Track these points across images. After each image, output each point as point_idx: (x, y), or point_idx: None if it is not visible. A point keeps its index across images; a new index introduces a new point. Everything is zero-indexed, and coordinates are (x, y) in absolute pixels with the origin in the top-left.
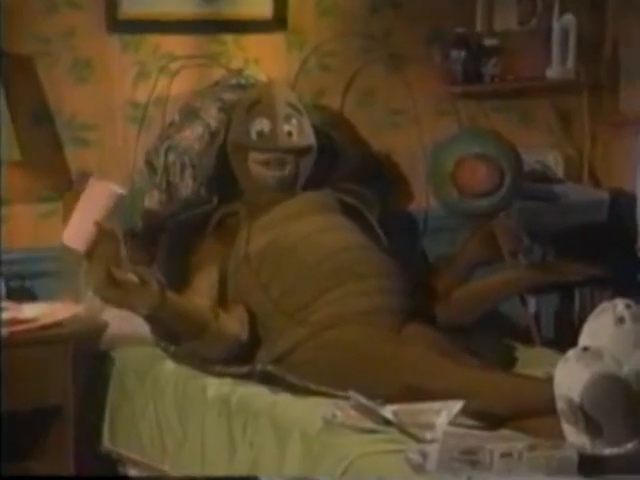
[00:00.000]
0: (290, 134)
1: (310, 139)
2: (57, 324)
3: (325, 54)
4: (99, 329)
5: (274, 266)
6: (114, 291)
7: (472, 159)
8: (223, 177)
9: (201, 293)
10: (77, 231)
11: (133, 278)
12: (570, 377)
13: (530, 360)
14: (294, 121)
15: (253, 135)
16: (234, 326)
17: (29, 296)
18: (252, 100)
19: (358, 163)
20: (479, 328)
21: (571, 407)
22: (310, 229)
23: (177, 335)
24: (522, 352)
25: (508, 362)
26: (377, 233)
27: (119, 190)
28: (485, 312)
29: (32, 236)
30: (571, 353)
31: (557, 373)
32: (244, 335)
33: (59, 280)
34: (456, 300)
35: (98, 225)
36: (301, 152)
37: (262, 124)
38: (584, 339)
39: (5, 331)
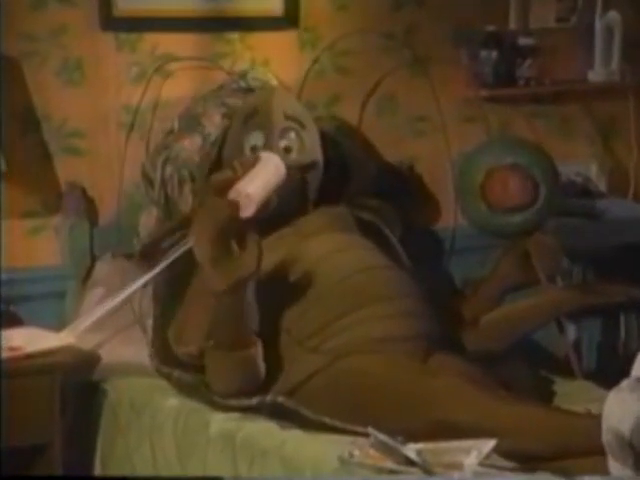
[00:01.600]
0: (288, 150)
1: (313, 155)
2: (45, 353)
3: (340, 54)
4: (91, 359)
5: (284, 289)
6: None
7: (503, 170)
8: None
9: (200, 318)
10: (257, 183)
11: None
12: (622, 409)
13: (569, 394)
14: (292, 135)
15: (247, 150)
16: (260, 360)
17: (14, 321)
18: (249, 110)
19: (377, 176)
20: (513, 358)
21: (620, 442)
22: (324, 248)
23: (218, 343)
24: (560, 385)
25: (545, 396)
26: (398, 252)
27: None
28: (517, 339)
29: (18, 255)
30: (625, 383)
31: (607, 404)
32: (263, 373)
33: (48, 304)
34: (485, 326)
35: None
36: (301, 169)
37: (257, 138)
38: (638, 369)
39: None
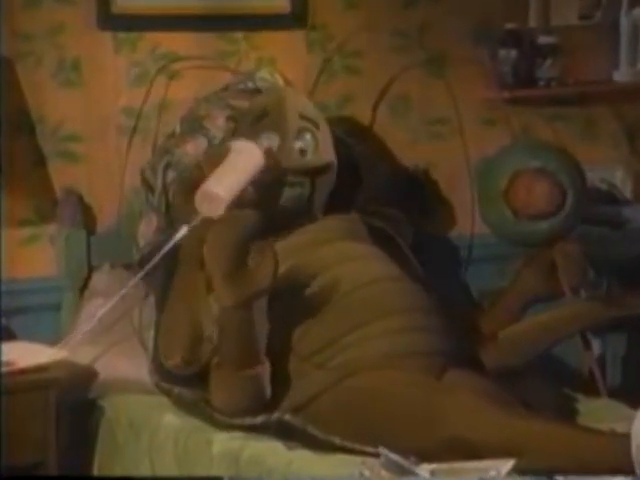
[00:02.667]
0: (303, 152)
1: (328, 157)
2: (39, 368)
3: (351, 54)
4: (87, 375)
5: (290, 301)
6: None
7: (529, 174)
8: None
9: (181, 327)
10: (224, 181)
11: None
12: None
13: (593, 413)
14: (308, 137)
15: None
16: (266, 378)
17: (6, 335)
18: (259, 111)
19: (390, 181)
20: (534, 375)
21: None
22: (332, 258)
23: (223, 361)
24: (584, 403)
25: (568, 414)
26: (411, 263)
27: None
28: (538, 354)
29: (10, 266)
30: None
31: (637, 421)
32: (269, 392)
33: (43, 316)
34: (504, 341)
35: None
36: (316, 172)
37: (270, 140)
38: None
39: None
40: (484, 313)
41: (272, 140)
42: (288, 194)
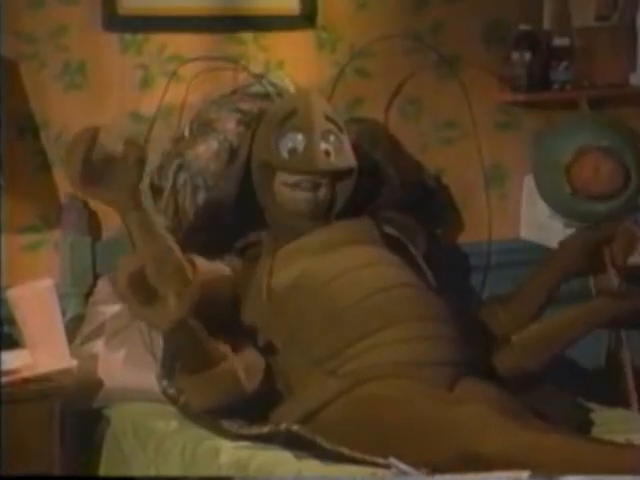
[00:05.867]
0: (328, 153)
1: (350, 160)
2: (42, 377)
3: (362, 56)
4: (92, 384)
5: (301, 306)
6: (142, 289)
7: (597, 152)
8: (243, 201)
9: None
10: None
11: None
12: None
13: (608, 423)
14: (332, 138)
15: (284, 153)
16: (240, 372)
17: (9, 343)
18: (286, 111)
19: (402, 186)
20: (548, 385)
21: None
22: (345, 263)
23: (185, 367)
24: (598, 413)
25: (582, 425)
26: (423, 270)
27: None
28: (554, 356)
29: (14, 273)
30: None
31: None
32: (251, 385)
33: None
34: (518, 344)
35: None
36: (339, 175)
37: (295, 141)
38: None
39: None
40: (504, 305)
41: (297, 141)
42: (308, 197)
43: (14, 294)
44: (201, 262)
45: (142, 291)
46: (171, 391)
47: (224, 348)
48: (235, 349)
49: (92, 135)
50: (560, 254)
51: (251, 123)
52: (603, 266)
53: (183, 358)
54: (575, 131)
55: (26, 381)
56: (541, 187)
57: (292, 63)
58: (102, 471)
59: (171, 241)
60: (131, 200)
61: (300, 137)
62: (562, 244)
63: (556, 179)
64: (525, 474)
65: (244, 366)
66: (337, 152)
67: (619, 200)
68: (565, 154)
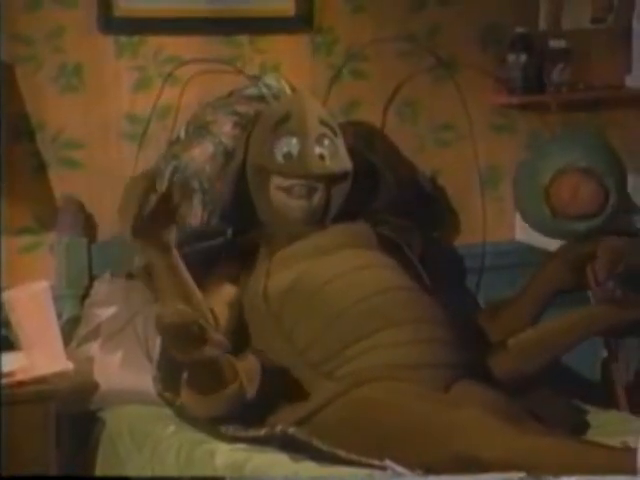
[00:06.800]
0: (322, 157)
1: (345, 164)
2: (38, 379)
3: (358, 58)
4: (88, 386)
5: (298, 309)
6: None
7: (575, 174)
8: (239, 204)
9: None
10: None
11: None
12: None
13: (604, 425)
14: (327, 142)
15: (279, 157)
16: (244, 380)
17: (5, 346)
18: (280, 115)
19: (398, 189)
20: (544, 387)
21: None
22: (341, 267)
23: (193, 384)
24: (594, 415)
25: (578, 427)
26: (420, 272)
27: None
28: (549, 360)
29: (10, 275)
30: None
31: None
32: (251, 392)
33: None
34: (514, 347)
35: None
36: (334, 179)
37: (290, 145)
38: None
39: None
40: (498, 315)
41: (291, 145)
42: (303, 203)
43: (10, 296)
44: (213, 299)
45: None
46: (167, 394)
47: (235, 364)
48: (234, 354)
49: (149, 183)
50: (547, 268)
51: (247, 126)
52: (587, 283)
53: (193, 379)
54: (553, 152)
55: (22, 383)
56: (521, 207)
57: (288, 65)
58: (98, 473)
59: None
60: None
61: (294, 141)
62: (550, 258)
63: (535, 201)
64: (520, 475)
65: (247, 372)
66: (332, 156)
67: (599, 219)
68: (543, 176)
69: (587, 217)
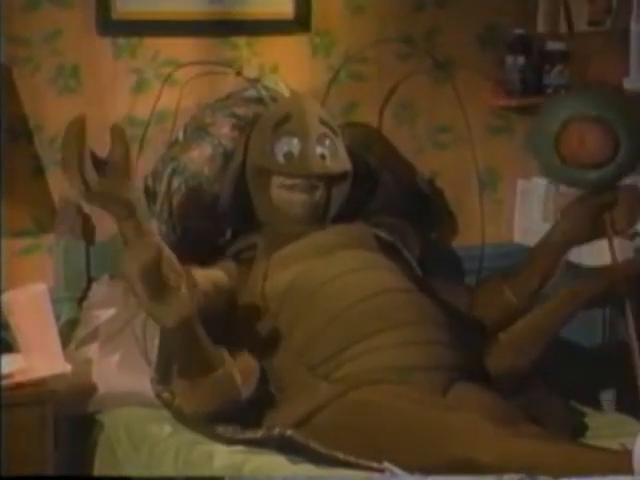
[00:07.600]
0: (323, 157)
1: (345, 164)
2: (36, 382)
3: (357, 60)
4: (86, 388)
5: (296, 310)
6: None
7: (583, 123)
8: (238, 205)
9: None
10: None
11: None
12: None
13: (602, 427)
14: (328, 142)
15: (280, 157)
16: (237, 376)
17: (4, 348)
18: (280, 116)
19: (396, 191)
20: (541, 389)
21: None
22: (339, 268)
23: (182, 370)
24: (592, 418)
25: (576, 430)
26: (417, 274)
27: None
28: (543, 347)
29: (8, 277)
30: None
31: (638, 443)
32: (246, 391)
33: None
34: (506, 340)
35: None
36: (334, 179)
37: (291, 145)
38: None
39: None
40: (512, 276)
41: (292, 145)
42: (304, 199)
43: (8, 298)
44: (197, 271)
45: (154, 284)
46: (165, 395)
47: (223, 353)
48: (230, 353)
49: (80, 127)
50: (562, 222)
51: (246, 128)
52: (604, 232)
53: (181, 361)
54: (566, 101)
55: (20, 385)
56: (536, 157)
57: (286, 67)
58: (95, 475)
59: (167, 250)
60: (125, 209)
61: (295, 141)
62: (563, 212)
63: (546, 148)
64: (517, 476)
65: (239, 370)
66: (332, 156)
67: (610, 168)
68: (554, 124)
69: (597, 165)
